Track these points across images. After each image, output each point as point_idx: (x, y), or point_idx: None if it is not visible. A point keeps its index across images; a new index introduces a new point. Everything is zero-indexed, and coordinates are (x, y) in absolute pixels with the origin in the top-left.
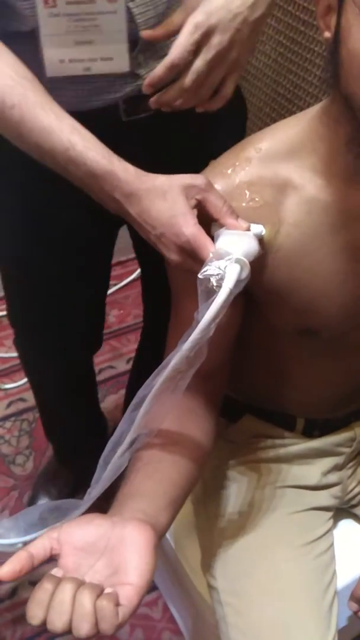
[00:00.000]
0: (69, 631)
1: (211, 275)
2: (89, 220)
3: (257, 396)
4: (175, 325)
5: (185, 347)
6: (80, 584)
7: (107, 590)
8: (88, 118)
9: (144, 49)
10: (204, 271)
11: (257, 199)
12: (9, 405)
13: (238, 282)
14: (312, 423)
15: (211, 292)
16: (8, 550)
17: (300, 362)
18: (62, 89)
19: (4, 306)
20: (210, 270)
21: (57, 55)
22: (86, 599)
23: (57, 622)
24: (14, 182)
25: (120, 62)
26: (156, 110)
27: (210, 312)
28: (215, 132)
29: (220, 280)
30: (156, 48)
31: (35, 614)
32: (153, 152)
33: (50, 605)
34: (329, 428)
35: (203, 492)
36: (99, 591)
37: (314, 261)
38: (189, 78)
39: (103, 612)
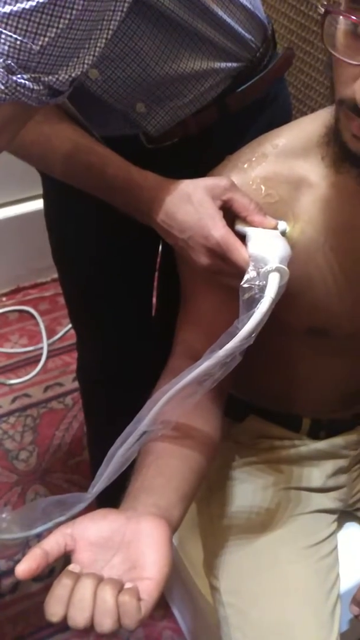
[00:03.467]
0: (90, 627)
1: (253, 284)
2: (135, 239)
3: (263, 395)
4: (184, 322)
5: (221, 353)
6: (100, 579)
7: (127, 585)
8: (112, 143)
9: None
10: (246, 280)
11: (272, 194)
12: (13, 400)
13: (279, 289)
14: (318, 424)
15: (253, 301)
16: (11, 544)
17: (308, 361)
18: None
19: (11, 301)
20: (251, 279)
21: None
22: (108, 595)
23: (79, 619)
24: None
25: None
26: (180, 138)
27: (252, 321)
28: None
29: (262, 289)
30: (158, 95)
31: (55, 610)
32: (181, 174)
33: (70, 601)
34: (335, 429)
35: (207, 492)
36: (119, 586)
37: (326, 259)
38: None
39: (126, 607)
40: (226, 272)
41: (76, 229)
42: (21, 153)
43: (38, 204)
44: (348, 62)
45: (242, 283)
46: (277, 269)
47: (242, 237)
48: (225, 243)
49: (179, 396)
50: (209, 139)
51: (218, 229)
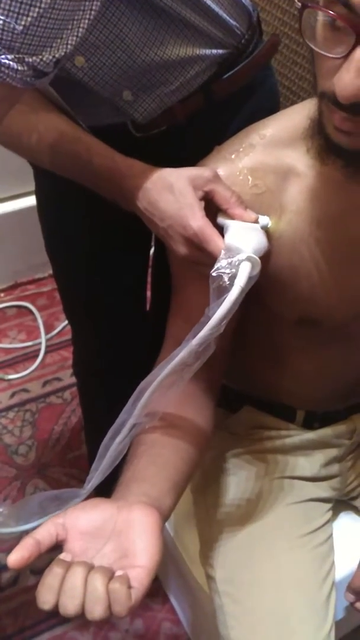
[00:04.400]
0: (81, 615)
1: (223, 273)
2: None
3: (257, 387)
4: (175, 313)
5: (194, 342)
6: (90, 567)
7: (118, 572)
8: (102, 133)
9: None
10: (216, 269)
11: (259, 185)
12: (12, 395)
13: (249, 279)
14: (312, 415)
15: (223, 290)
16: (7, 538)
17: (300, 352)
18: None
19: (9, 297)
20: (222, 268)
21: None
22: (98, 582)
23: (70, 606)
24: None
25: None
26: (168, 126)
27: (221, 310)
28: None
29: (232, 278)
30: (144, 82)
31: (46, 599)
32: (169, 162)
33: (61, 589)
34: (329, 420)
35: (202, 482)
36: (110, 574)
37: (314, 250)
38: None
39: (116, 594)
40: (204, 262)
41: (69, 222)
42: (9, 144)
43: (35, 200)
44: (327, 55)
45: (211, 272)
46: (248, 259)
47: (223, 230)
48: (202, 233)
49: (161, 387)
50: (196, 127)
51: (196, 219)
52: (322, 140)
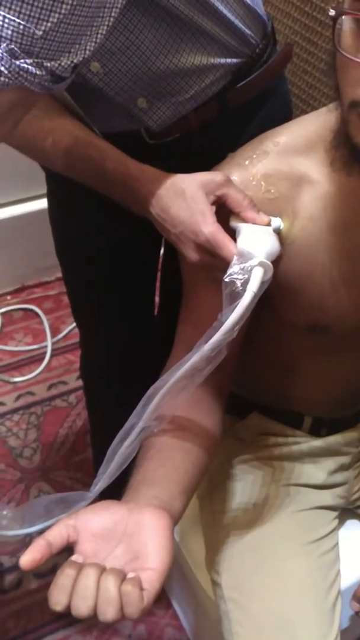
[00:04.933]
0: (93, 616)
1: (236, 278)
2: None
3: (265, 393)
4: (186, 319)
5: (207, 347)
6: (102, 569)
7: (130, 575)
8: (115, 139)
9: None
10: (229, 274)
11: (272, 191)
12: (17, 398)
13: (262, 284)
14: (320, 422)
15: (235, 295)
16: (12, 540)
17: (309, 358)
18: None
19: (16, 300)
20: (234, 273)
21: None
22: (111, 584)
23: (82, 607)
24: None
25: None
26: (182, 134)
27: (234, 315)
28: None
29: (245, 283)
30: (159, 90)
31: (59, 599)
32: (182, 169)
33: (74, 590)
34: (337, 427)
35: (209, 487)
36: (122, 576)
37: (327, 257)
38: None
39: (128, 596)
40: (216, 267)
41: (80, 226)
42: (23, 147)
43: (42, 203)
44: (358, 62)
45: (224, 277)
46: (261, 264)
47: (235, 233)
48: (214, 239)
49: (172, 391)
50: (210, 134)
51: (208, 225)
52: (348, 151)
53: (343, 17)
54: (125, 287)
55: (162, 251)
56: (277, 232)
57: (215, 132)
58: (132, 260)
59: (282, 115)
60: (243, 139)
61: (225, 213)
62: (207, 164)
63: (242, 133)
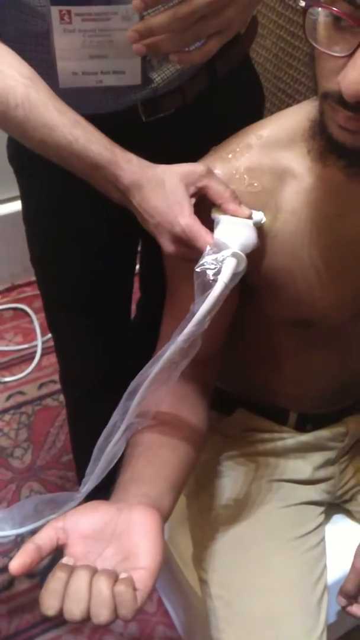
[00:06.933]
0: (87, 619)
1: (207, 268)
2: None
3: (251, 388)
4: (170, 310)
5: (180, 339)
6: (94, 571)
7: (122, 575)
8: (109, 120)
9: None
10: (201, 264)
11: (255, 184)
12: (8, 398)
13: (234, 275)
14: (305, 417)
15: (207, 285)
16: (2, 541)
17: (294, 353)
18: (79, 95)
19: (6, 299)
20: (206, 263)
21: (70, 68)
22: (104, 586)
23: (75, 611)
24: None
25: (132, 75)
26: (176, 109)
27: (205, 305)
28: (235, 126)
29: (217, 274)
30: None
31: (51, 604)
32: (176, 150)
33: (66, 594)
34: (322, 422)
35: (195, 485)
36: (114, 577)
37: (310, 251)
38: (184, 8)
39: (122, 597)
40: (192, 259)
41: (55, 230)
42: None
43: None
44: (331, 55)
45: (195, 267)
46: (234, 255)
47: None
48: (190, 230)
49: (153, 384)
50: (201, 110)
51: (184, 217)
52: (324, 141)
53: (318, 9)
54: (101, 294)
55: (139, 255)
56: (259, 225)
57: (206, 107)
58: (108, 265)
59: (258, 83)
60: (232, 113)
61: (207, 205)
62: (198, 141)
63: (232, 108)
